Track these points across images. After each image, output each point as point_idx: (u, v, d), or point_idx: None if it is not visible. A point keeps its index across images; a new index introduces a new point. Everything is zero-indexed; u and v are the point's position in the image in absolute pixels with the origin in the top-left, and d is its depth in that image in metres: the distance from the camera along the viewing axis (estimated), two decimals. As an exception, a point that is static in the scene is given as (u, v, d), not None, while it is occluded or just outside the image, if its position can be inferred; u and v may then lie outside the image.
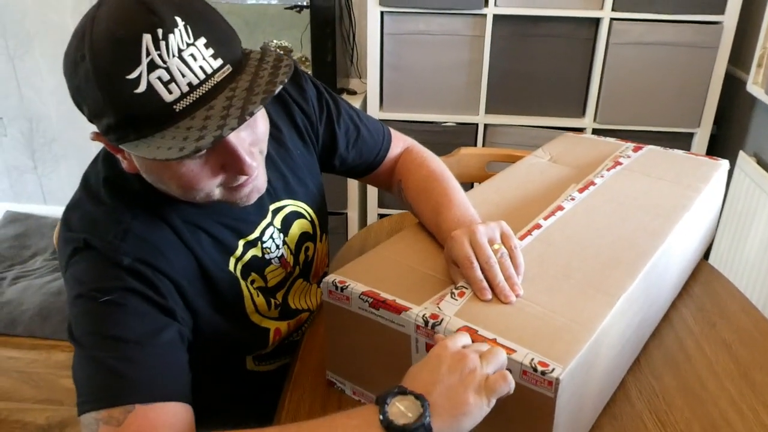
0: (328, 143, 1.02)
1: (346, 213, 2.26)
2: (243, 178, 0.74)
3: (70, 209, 0.80)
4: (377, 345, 0.78)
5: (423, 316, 0.72)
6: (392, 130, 1.12)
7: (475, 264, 0.77)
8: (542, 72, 2.08)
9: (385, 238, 0.93)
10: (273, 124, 0.92)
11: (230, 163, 0.71)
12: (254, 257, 0.89)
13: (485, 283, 0.76)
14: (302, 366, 0.91)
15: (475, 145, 2.19)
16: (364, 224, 2.37)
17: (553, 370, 0.64)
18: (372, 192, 2.27)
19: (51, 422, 1.78)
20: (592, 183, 1.05)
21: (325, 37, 2.16)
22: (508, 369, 0.66)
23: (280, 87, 0.66)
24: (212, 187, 0.73)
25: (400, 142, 1.11)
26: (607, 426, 0.80)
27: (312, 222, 1.00)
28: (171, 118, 0.65)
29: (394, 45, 2.07)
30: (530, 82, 2.11)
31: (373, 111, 2.16)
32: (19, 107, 2.68)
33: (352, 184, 2.21)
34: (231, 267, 0.86)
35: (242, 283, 0.87)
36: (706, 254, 2.16)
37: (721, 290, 1.11)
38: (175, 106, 0.65)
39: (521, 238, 0.89)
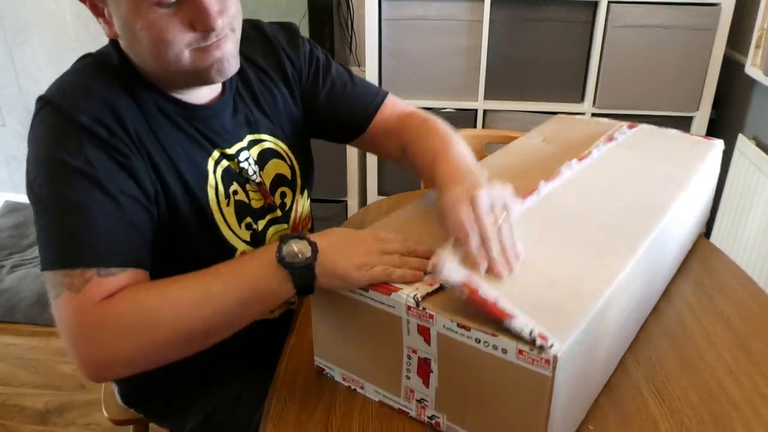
0: (311, 92, 1.03)
1: (346, 201, 2.25)
2: (212, 38, 0.78)
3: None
4: (367, 328, 0.76)
5: (414, 296, 0.69)
6: (394, 96, 1.10)
7: (473, 234, 0.73)
8: (541, 57, 2.08)
9: (383, 219, 0.92)
10: (262, 69, 0.97)
11: (198, 19, 0.76)
12: (231, 168, 0.91)
13: (482, 256, 0.72)
14: (299, 339, 0.91)
15: (474, 131, 2.19)
16: (363, 212, 2.37)
17: (552, 346, 0.61)
18: (372, 179, 2.27)
19: (49, 407, 1.79)
20: (590, 155, 1.04)
21: (323, 24, 2.15)
22: (503, 350, 0.64)
23: None
24: (182, 46, 0.77)
25: (400, 105, 1.09)
26: (603, 395, 0.80)
27: (292, 168, 1.00)
28: None
29: (392, 31, 2.06)
30: (529, 67, 2.10)
31: (372, 97, 2.16)
32: (17, 97, 2.68)
33: (352, 171, 2.20)
34: (209, 166, 0.88)
35: (212, 180, 0.88)
36: (707, 236, 2.16)
37: (719, 266, 1.10)
38: None
39: (522, 198, 0.87)
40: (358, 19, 2.36)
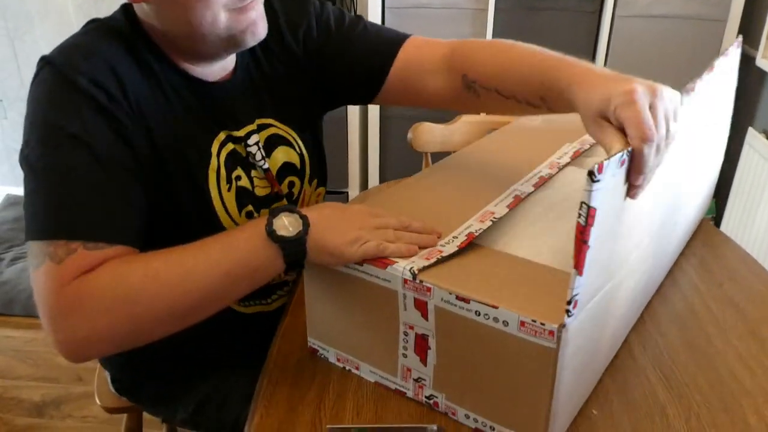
0: (324, 47, 0.96)
1: (347, 192, 2.23)
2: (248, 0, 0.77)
3: None
4: (362, 305, 0.73)
5: (410, 269, 0.67)
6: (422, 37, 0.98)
7: (654, 141, 0.59)
8: (546, 46, 2.03)
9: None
10: (269, 48, 0.92)
11: None
12: (236, 152, 0.87)
13: (651, 168, 0.60)
14: (292, 320, 0.88)
15: (479, 123, 2.16)
16: (366, 206, 2.35)
17: (571, 315, 0.58)
18: (373, 170, 2.24)
19: (46, 399, 1.76)
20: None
21: (326, 13, 2.13)
22: (505, 322, 0.61)
23: None
24: (219, 7, 0.75)
25: (439, 41, 0.95)
26: (608, 379, 0.77)
27: (301, 156, 0.95)
28: None
29: (396, 19, 2.04)
30: (534, 57, 2.07)
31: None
32: (19, 89, 2.67)
33: (353, 162, 2.18)
34: (213, 148, 0.84)
35: (214, 163, 0.84)
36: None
37: (729, 253, 1.07)
38: None
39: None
40: (361, 7, 2.33)
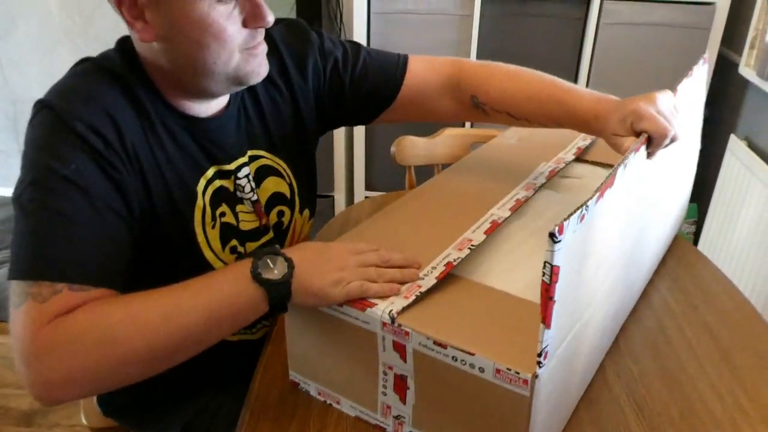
0: (336, 83, 0.99)
1: (333, 196, 2.23)
2: (258, 37, 0.80)
3: None
4: (342, 344, 0.74)
5: (389, 312, 0.68)
6: (416, 56, 1.06)
7: (670, 129, 0.80)
8: (531, 52, 2.05)
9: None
10: (270, 79, 0.93)
11: (253, 15, 0.77)
12: (224, 188, 0.88)
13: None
14: (274, 349, 0.89)
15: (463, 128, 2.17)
16: (353, 208, 2.35)
17: (542, 356, 0.60)
18: (359, 174, 2.24)
19: (34, 408, 1.77)
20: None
21: (311, 17, 2.12)
22: (481, 368, 0.63)
23: None
24: (235, 46, 0.77)
25: (437, 60, 1.04)
26: (583, 410, 0.79)
27: (291, 186, 0.97)
28: None
29: (381, 25, 2.04)
30: (519, 62, 2.06)
31: (361, 93, 2.13)
32: (3, 90, 2.65)
33: (339, 166, 2.18)
34: (199, 187, 0.85)
35: (200, 202, 0.84)
36: (696, 238, 2.15)
37: (705, 273, 1.09)
38: None
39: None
40: (347, 12, 2.33)
